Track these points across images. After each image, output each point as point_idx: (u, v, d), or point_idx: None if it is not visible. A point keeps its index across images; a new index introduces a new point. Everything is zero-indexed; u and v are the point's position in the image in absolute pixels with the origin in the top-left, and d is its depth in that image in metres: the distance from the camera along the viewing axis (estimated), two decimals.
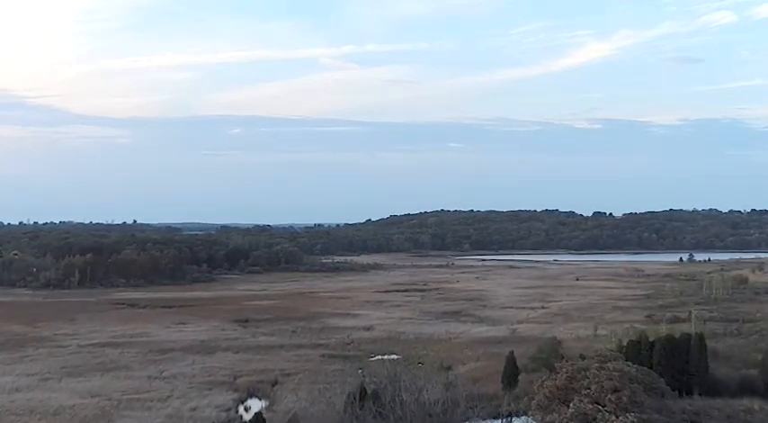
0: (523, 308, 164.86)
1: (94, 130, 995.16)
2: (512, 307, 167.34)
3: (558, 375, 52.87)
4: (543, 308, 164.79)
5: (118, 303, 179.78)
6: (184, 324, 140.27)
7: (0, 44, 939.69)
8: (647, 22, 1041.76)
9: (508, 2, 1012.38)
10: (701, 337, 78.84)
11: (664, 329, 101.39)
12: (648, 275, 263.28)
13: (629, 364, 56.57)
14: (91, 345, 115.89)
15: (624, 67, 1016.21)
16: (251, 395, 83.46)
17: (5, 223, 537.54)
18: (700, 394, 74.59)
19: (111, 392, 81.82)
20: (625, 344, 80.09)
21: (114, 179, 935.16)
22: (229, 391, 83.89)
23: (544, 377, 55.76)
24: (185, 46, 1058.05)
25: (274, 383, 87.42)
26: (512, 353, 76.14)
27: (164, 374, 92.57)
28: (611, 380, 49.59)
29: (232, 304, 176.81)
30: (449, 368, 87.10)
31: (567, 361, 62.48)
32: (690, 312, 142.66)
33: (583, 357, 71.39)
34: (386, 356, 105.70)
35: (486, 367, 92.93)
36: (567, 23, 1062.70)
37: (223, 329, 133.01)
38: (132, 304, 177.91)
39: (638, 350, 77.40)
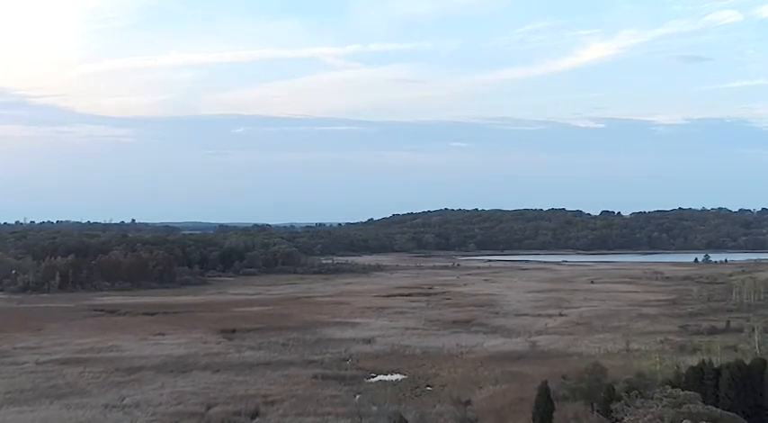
0: (540, 315, 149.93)
1: (98, 130, 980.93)
2: (527, 314, 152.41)
3: None
4: (561, 315, 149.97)
5: (96, 310, 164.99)
6: (163, 335, 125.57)
7: (4, 43, 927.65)
8: (652, 21, 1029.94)
9: (512, 1, 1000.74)
10: None
11: (717, 347, 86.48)
12: (667, 278, 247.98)
13: (717, 410, 41.69)
14: (51, 361, 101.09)
15: (628, 67, 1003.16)
16: None
17: (2, 223, 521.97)
18: None
19: None
20: (684, 371, 65.18)
21: (117, 179, 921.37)
22: None
23: None
24: (190, 45, 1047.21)
25: (254, 415, 72.73)
26: (545, 383, 61.30)
27: (125, 402, 77.97)
28: None
29: (220, 311, 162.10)
30: (467, 403, 71.62)
31: (625, 402, 47.63)
32: (728, 322, 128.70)
33: (637, 391, 56.75)
34: (388, 376, 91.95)
35: (508, 392, 79.30)
36: (571, 23, 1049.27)
37: (205, 342, 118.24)
38: (112, 311, 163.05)
39: (700, 379, 62.79)
